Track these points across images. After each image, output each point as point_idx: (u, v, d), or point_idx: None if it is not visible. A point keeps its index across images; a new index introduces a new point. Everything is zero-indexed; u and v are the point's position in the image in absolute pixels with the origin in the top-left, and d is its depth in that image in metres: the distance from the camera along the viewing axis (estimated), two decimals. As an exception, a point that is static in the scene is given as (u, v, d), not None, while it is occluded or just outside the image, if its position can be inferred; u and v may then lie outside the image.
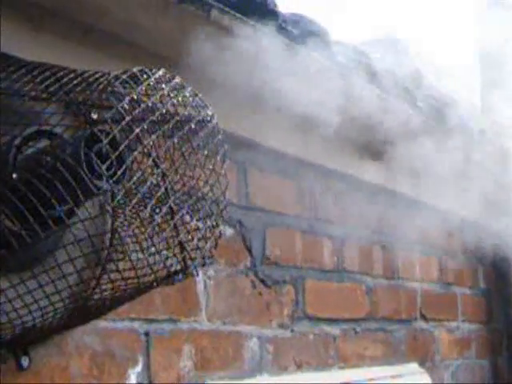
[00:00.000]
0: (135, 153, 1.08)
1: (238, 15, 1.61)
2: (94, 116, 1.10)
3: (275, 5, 1.89)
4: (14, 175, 1.24)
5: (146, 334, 1.64)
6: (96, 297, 1.37)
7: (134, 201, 1.07)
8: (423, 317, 2.92)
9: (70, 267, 1.20)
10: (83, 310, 1.36)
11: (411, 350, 2.80)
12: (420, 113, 2.36)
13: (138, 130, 1.09)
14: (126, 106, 1.08)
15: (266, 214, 2.12)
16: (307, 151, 2.20)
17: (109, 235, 1.36)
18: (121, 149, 1.07)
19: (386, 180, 2.57)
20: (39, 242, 1.31)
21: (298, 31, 1.94)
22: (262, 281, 2.06)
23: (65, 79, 1.17)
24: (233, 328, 1.94)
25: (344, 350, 2.39)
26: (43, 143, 1.29)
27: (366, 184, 2.50)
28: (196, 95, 1.24)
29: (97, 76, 1.15)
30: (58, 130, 1.27)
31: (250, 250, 2.03)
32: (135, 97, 1.10)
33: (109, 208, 1.30)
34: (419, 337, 2.88)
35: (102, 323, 1.50)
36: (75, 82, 1.16)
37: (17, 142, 1.29)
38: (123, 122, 1.07)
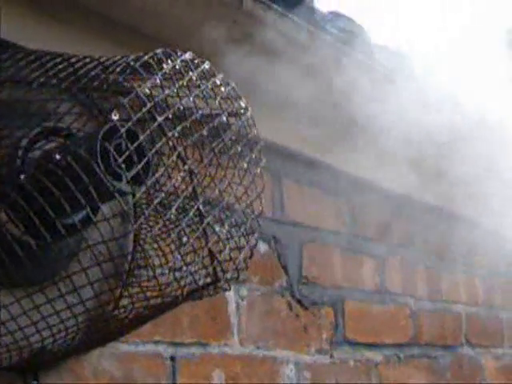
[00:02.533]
0: (158, 145, 0.92)
1: (273, 6, 1.46)
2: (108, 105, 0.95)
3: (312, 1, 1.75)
4: (22, 176, 1.10)
5: (172, 358, 1.48)
6: (115, 316, 1.21)
7: (157, 200, 0.91)
8: (468, 342, 2.73)
9: (85, 281, 1.04)
10: (100, 331, 1.20)
11: (456, 378, 2.61)
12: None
13: (160, 119, 0.94)
14: (147, 91, 0.93)
15: (303, 229, 1.96)
16: (346, 163, 2.03)
17: (131, 246, 1.20)
18: (141, 140, 0.91)
19: (432, 197, 2.40)
20: (49, 252, 1.16)
21: (336, 30, 1.79)
22: (299, 302, 1.90)
23: (78, 64, 1.02)
24: (267, 353, 1.77)
25: (386, 377, 2.21)
26: (54, 142, 1.14)
27: (407, 199, 2.33)
28: (228, 84, 1.09)
29: (115, 59, 1.00)
30: (71, 126, 1.12)
31: (285, 268, 1.87)
32: (158, 81, 0.94)
33: (130, 215, 1.14)
34: (465, 364, 2.69)
35: (122, 346, 1.35)
36: (89, 66, 1.01)
37: (25, 140, 1.14)
38: (144, 109, 0.92)
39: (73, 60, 1.04)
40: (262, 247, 1.81)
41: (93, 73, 0.99)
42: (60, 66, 1.04)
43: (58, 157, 1.06)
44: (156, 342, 1.44)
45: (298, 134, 1.86)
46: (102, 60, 1.01)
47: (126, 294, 1.25)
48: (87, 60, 1.03)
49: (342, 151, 1.99)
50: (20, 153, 1.13)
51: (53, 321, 1.05)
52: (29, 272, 1.09)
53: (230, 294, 1.69)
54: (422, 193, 2.29)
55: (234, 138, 1.06)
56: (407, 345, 2.33)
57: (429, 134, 1.97)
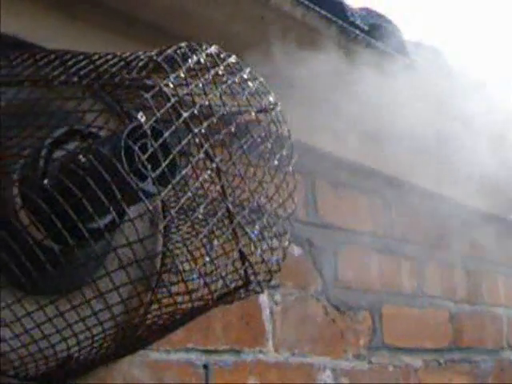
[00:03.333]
0: (183, 142, 0.88)
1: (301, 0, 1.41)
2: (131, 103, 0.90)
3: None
4: (45, 181, 1.06)
5: (205, 366, 1.43)
6: (144, 322, 1.17)
7: (184, 199, 0.87)
8: (510, 346, 2.65)
9: (111, 286, 1.00)
10: (129, 338, 1.16)
11: (499, 383, 2.54)
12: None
13: (186, 115, 0.89)
14: (171, 86, 0.88)
15: (338, 232, 1.91)
16: (384, 163, 1.97)
17: (159, 249, 1.16)
18: (165, 136, 0.87)
19: (466, 196, 2.33)
20: (73, 257, 1.12)
21: (366, 26, 1.74)
22: (335, 306, 1.85)
23: (100, 60, 0.98)
24: (303, 359, 1.72)
25: (427, 382, 2.15)
26: (77, 142, 1.10)
27: (444, 199, 2.26)
28: (255, 79, 1.04)
29: (138, 54, 0.96)
30: (93, 125, 1.08)
31: (320, 272, 1.82)
32: (182, 75, 0.90)
33: (157, 217, 1.10)
34: (506, 368, 2.61)
35: (153, 354, 1.30)
36: (111, 62, 0.97)
37: (48, 140, 1.10)
38: (168, 105, 0.88)
39: (94, 57, 1.00)
40: (296, 251, 1.76)
41: (114, 69, 0.95)
42: (81, 64, 1.01)
43: (82, 158, 1.03)
44: (188, 350, 1.39)
45: (331, 133, 1.81)
46: (123, 56, 0.97)
47: (154, 299, 1.21)
48: (109, 57, 0.99)
49: (376, 151, 1.94)
50: (44, 153, 1.10)
51: (78, 328, 1.00)
52: (52, 278, 1.05)
53: (264, 300, 1.64)
54: (465, 197, 2.22)
55: (263, 134, 1.01)
56: (447, 349, 2.26)
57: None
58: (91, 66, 0.99)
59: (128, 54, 0.99)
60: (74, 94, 1.03)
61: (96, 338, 1.01)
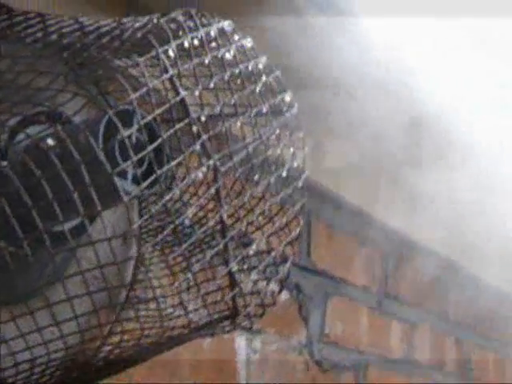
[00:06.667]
0: (178, 125, 0.70)
1: None
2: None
3: None
4: (4, 163, 0.87)
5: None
6: (102, 354, 0.97)
7: (168, 196, 0.68)
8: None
9: (68, 309, 0.81)
10: (82, 371, 0.96)
11: None
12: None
13: (184, 93, 0.71)
14: (172, 54, 0.70)
15: (330, 281, 1.72)
16: (387, 212, 1.80)
17: (132, 266, 0.97)
18: (150, 118, 0.68)
19: (466, 260, 2.16)
20: (30, 266, 0.93)
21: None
22: (318, 363, 1.65)
23: (86, 25, 0.80)
24: (277, 417, 1.52)
25: None
26: (47, 125, 0.92)
27: (447, 261, 2.08)
28: (272, 71, 0.86)
29: (137, 18, 0.79)
30: (67, 111, 0.90)
31: (306, 322, 1.63)
32: (187, 44, 0.72)
33: (135, 225, 0.91)
34: None
35: (107, 391, 1.10)
36: (105, 29, 0.79)
37: (13, 121, 0.92)
38: (164, 76, 0.70)
39: (81, 20, 0.82)
40: (283, 295, 1.57)
41: (105, 39, 0.77)
42: (65, 29, 0.83)
43: (50, 142, 0.84)
44: (149, 390, 1.20)
45: (335, 173, 1.64)
46: (119, 20, 0.79)
47: (118, 329, 1.02)
48: (103, 23, 0.82)
49: (384, 201, 1.77)
50: (5, 136, 0.91)
51: (23, 357, 0.81)
52: (5, 289, 0.87)
53: (241, 345, 1.44)
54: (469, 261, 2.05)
55: (274, 135, 0.83)
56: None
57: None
58: (77, 33, 0.81)
59: (125, 19, 0.81)
60: (48, 68, 0.85)
61: (38, 362, 0.81)
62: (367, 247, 1.84)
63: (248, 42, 0.84)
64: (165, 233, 0.69)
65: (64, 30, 0.81)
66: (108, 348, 0.97)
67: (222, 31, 0.79)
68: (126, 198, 0.66)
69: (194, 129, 0.74)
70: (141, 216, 0.99)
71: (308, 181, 1.52)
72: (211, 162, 0.74)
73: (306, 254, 1.66)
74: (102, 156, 0.69)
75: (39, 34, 0.84)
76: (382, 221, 1.82)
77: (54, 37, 0.80)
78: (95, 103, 0.91)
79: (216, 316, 0.79)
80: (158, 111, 0.68)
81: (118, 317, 1.04)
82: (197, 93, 0.74)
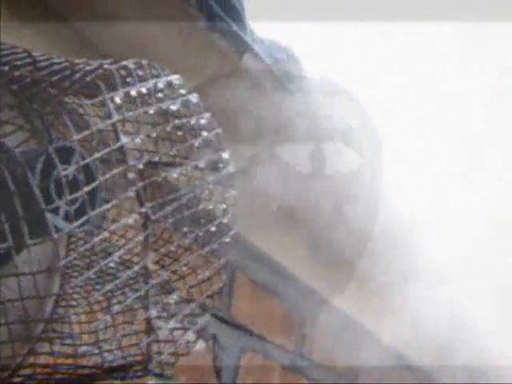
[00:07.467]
0: (114, 171, 0.72)
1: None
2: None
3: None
4: None
5: None
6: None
7: (97, 239, 0.70)
8: None
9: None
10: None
11: None
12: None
13: (125, 141, 0.74)
14: (118, 100, 0.73)
15: (246, 337, 1.73)
16: (311, 274, 1.83)
17: (53, 300, 0.98)
18: (90, 160, 0.70)
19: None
20: None
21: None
22: (226, 416, 1.66)
23: (45, 63, 0.82)
24: None
25: None
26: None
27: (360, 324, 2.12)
28: (213, 128, 0.89)
29: (90, 62, 0.81)
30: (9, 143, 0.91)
31: (219, 374, 1.64)
32: (134, 92, 0.75)
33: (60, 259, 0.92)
34: None
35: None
36: (57, 67, 0.81)
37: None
38: (108, 122, 0.72)
39: (34, 54, 0.84)
40: (199, 344, 1.57)
41: (55, 68, 0.79)
42: (18, 62, 0.84)
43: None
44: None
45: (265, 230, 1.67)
46: (74, 62, 0.81)
47: (29, 361, 1.02)
48: (56, 60, 0.83)
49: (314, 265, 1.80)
50: None
51: None
52: None
53: (152, 388, 1.44)
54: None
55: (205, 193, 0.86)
56: None
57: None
58: (30, 67, 0.83)
59: (78, 60, 0.83)
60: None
61: None
62: (292, 309, 1.86)
63: (194, 98, 0.87)
64: (90, 272, 0.71)
65: (16, 63, 0.83)
66: (18, 380, 0.97)
67: (169, 84, 0.82)
68: (55, 236, 0.67)
69: (130, 175, 0.76)
70: (68, 250, 1.00)
71: (236, 237, 1.55)
72: (143, 210, 0.76)
73: (227, 305, 1.68)
74: (37, 191, 0.70)
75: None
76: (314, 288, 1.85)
77: (6, 68, 0.82)
78: (38, 137, 0.93)
79: (130, 359, 0.80)
80: (97, 155, 0.70)
81: (32, 349, 1.04)
82: (138, 140, 0.76)
